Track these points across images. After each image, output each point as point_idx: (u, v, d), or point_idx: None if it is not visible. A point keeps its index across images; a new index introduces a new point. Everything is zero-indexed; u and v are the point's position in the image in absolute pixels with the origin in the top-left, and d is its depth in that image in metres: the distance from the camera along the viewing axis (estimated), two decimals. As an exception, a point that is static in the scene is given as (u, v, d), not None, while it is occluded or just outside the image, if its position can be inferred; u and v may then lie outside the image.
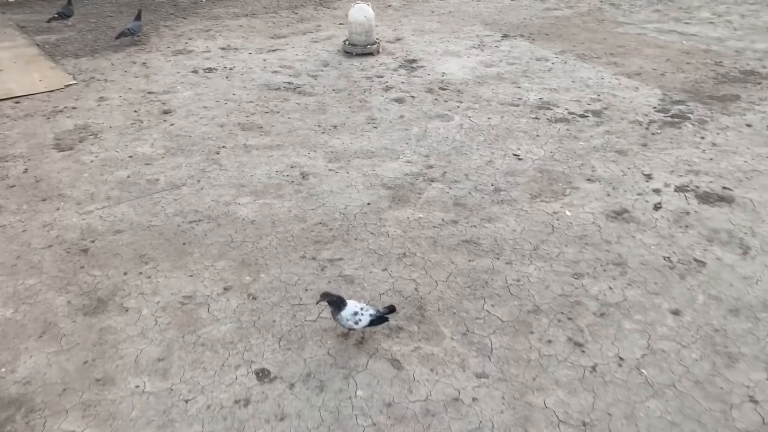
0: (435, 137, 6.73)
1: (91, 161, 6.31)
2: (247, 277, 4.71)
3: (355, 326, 3.96)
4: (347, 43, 9.16)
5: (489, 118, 7.13)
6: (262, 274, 4.74)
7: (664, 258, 4.83)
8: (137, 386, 3.80)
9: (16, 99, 7.73)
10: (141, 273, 4.76)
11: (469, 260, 4.85)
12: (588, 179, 5.92)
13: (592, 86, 7.98)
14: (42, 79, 8.28)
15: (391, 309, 4.11)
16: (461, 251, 4.95)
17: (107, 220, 5.39)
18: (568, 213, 5.39)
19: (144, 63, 8.87)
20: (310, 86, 8.05)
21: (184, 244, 5.09)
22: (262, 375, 3.86)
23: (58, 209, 5.53)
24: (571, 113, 7.24)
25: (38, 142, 6.67)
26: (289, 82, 8.16)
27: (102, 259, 4.91)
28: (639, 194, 5.66)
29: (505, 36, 9.90)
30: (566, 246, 4.98)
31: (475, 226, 5.24)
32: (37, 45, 9.57)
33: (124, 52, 9.32)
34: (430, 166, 6.17)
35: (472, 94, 7.77)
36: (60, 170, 6.14)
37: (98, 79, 8.32)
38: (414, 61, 8.90)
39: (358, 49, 9.06)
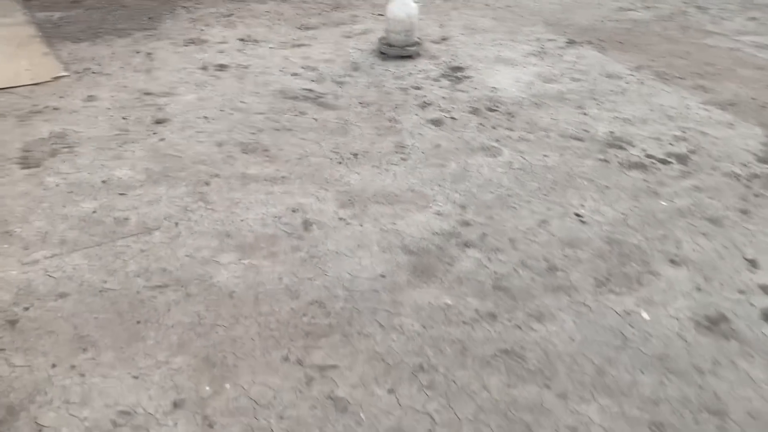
0: (476, 179, 5.41)
1: (57, 185, 5.20)
2: (207, 387, 3.53)
3: None
4: (383, 42, 7.83)
5: (545, 156, 5.76)
6: (227, 383, 3.56)
7: (780, 404, 3.48)
8: None
9: (-6, 92, 6.68)
10: (74, 367, 3.63)
11: (508, 385, 3.57)
12: (671, 261, 4.54)
13: (674, 118, 6.51)
14: (29, 68, 7.20)
15: None
16: (498, 368, 3.67)
17: (53, 275, 4.27)
18: (645, 316, 4.05)
19: (149, 53, 7.72)
20: (334, 96, 6.77)
21: (138, 322, 3.94)
22: None
23: (-3, 254, 4.44)
24: (649, 156, 5.82)
25: (2, 153, 5.59)
26: (309, 90, 6.90)
27: (31, 339, 3.79)
28: (740, 292, 4.27)
29: (570, 42, 8.42)
30: (642, 372, 3.66)
31: (519, 327, 3.95)
32: (36, 24, 8.50)
33: (130, 38, 8.19)
34: (467, 223, 4.87)
35: (527, 120, 6.39)
36: (17, 196, 5.05)
37: (93, 72, 7.21)
38: (460, 69, 7.52)
39: (395, 50, 7.72)
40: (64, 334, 3.85)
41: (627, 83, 7.21)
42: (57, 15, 8.86)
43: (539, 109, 6.61)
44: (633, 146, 5.96)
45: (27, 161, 5.52)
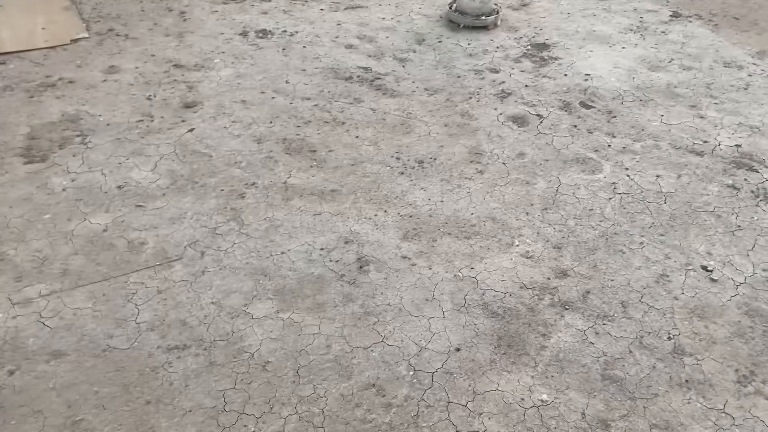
0: (572, 207, 4.35)
1: (64, 189, 4.32)
2: None
3: None
4: (454, 8, 6.62)
5: (657, 177, 4.64)
6: None
7: None
8: None
9: (3, 56, 5.76)
10: (61, 471, 2.82)
11: None
12: (838, 349, 3.48)
13: (816, 127, 5.27)
14: (46, 27, 6.24)
15: None
16: None
17: (47, 323, 3.43)
18: (812, 440, 3.04)
19: (182, 12, 6.67)
20: (394, 78, 5.68)
21: (148, 403, 3.09)
22: None
23: (-16, 288, 3.62)
24: (790, 184, 4.65)
25: (4, 141, 4.72)
26: (366, 68, 5.80)
27: (12, 422, 2.98)
28: None
29: (675, 14, 7.06)
30: None
31: (640, 445, 2.99)
32: (59, -31, 7.47)
33: (162, -10, 7.12)
34: (564, 273, 3.85)
35: (631, 122, 5.23)
36: (15, 202, 4.19)
37: (117, 33, 6.21)
38: (545, 46, 6.31)
39: (468, 19, 6.52)
40: (54, 415, 3.02)
41: (750, 75, 5.92)
42: (82, -41, 7.80)
43: (645, 107, 5.43)
44: (767, 166, 4.78)
45: (31, 153, 4.64)
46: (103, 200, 4.25)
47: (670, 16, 7.06)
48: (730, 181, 4.62)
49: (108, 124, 4.97)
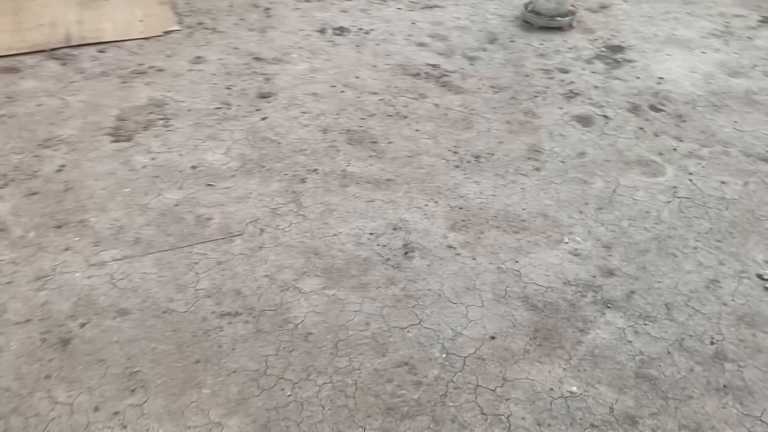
0: (628, 208, 4.31)
1: (144, 167, 4.70)
2: (261, 471, 2.90)
3: None
4: (529, 8, 6.64)
5: (723, 184, 4.52)
6: (285, 468, 2.91)
7: None
8: None
9: (103, 45, 6.29)
10: (117, 414, 3.12)
11: None
12: None
13: None
14: (143, 19, 6.75)
15: None
16: (632, 506, 2.75)
17: (118, 284, 3.78)
18: None
19: (267, 8, 7.03)
20: (461, 76, 5.77)
21: (198, 361, 3.36)
22: None
23: (67, 249, 4.01)
24: None
25: (96, 120, 5.18)
26: (434, 65, 5.94)
27: (79, 367, 3.33)
28: None
29: (765, 20, 6.77)
30: None
31: (666, 444, 2.97)
32: (159, -33, 8.03)
33: (251, -12, 7.52)
34: (611, 272, 3.84)
35: (701, 127, 5.10)
36: (100, 175, 4.61)
37: (206, 27, 6.64)
38: (620, 49, 6.22)
39: (543, 20, 6.52)
40: (115, 365, 3.34)
41: (840, 84, 5.63)
42: (182, -42, 8.36)
43: (718, 112, 5.27)
44: None
45: (119, 133, 5.06)
46: (178, 179, 4.60)
47: (759, 21, 6.78)
48: (802, 191, 4.43)
49: (189, 110, 5.34)
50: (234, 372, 3.31)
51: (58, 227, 4.19)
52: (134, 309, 3.64)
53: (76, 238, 4.10)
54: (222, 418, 3.10)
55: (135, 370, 3.32)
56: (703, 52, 6.16)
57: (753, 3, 7.22)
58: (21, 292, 3.73)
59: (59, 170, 4.67)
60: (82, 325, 3.55)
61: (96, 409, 3.14)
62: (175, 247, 4.04)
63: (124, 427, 3.07)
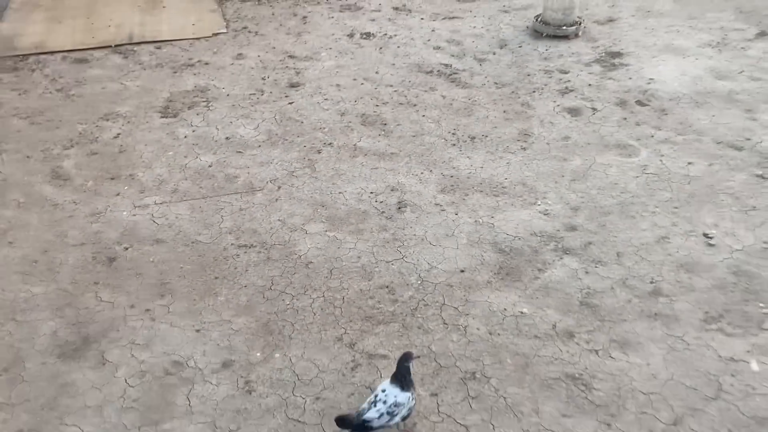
0: (599, 180, 4.89)
1: (185, 137, 5.53)
2: (258, 354, 3.57)
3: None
4: (539, 19, 7.30)
5: (689, 164, 5.04)
6: (277, 352, 3.58)
7: None
8: (47, 494, 2.93)
9: (159, 43, 7.24)
10: (148, 311, 3.86)
11: (564, 414, 3.21)
12: (812, 307, 3.78)
13: None
14: (195, 23, 7.70)
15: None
16: (558, 394, 3.31)
17: (157, 221, 4.56)
18: (754, 367, 3.41)
19: (305, 17, 7.90)
20: (469, 74, 6.46)
21: (216, 278, 4.09)
22: None
23: (118, 194, 4.84)
24: (822, 177, 4.87)
25: (149, 101, 6.06)
26: (446, 65, 6.65)
27: (121, 278, 4.09)
28: None
29: (761, 33, 7.25)
30: (730, 433, 3.10)
31: (596, 352, 3.52)
32: (214, -18, 9.05)
33: (292, 0, 8.42)
34: (573, 228, 4.42)
35: (680, 119, 5.63)
36: (149, 142, 5.45)
37: (249, 31, 7.53)
38: (618, 54, 6.81)
39: (550, 29, 7.17)
40: (150, 278, 4.10)
41: (821, 87, 6.08)
42: (234, -26, 9.37)
43: (699, 108, 5.80)
44: (804, 163, 5.02)
45: (167, 111, 5.92)
46: (213, 146, 5.40)
47: (756, 34, 7.26)
48: (760, 172, 4.92)
49: (228, 95, 6.18)
50: (245, 286, 4.02)
51: (112, 179, 5.02)
52: (168, 239, 4.41)
53: (126, 187, 4.92)
54: (232, 317, 3.81)
55: (165, 281, 4.07)
56: (696, 59, 6.69)
57: (755, 19, 7.70)
58: (79, 224, 4.55)
59: (115, 137, 5.54)
60: (126, 248, 4.33)
61: (132, 306, 3.89)
62: (206, 197, 4.81)
63: (153, 319, 3.80)
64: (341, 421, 3.01)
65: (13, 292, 3.99)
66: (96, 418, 3.25)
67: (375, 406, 2.97)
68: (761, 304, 3.79)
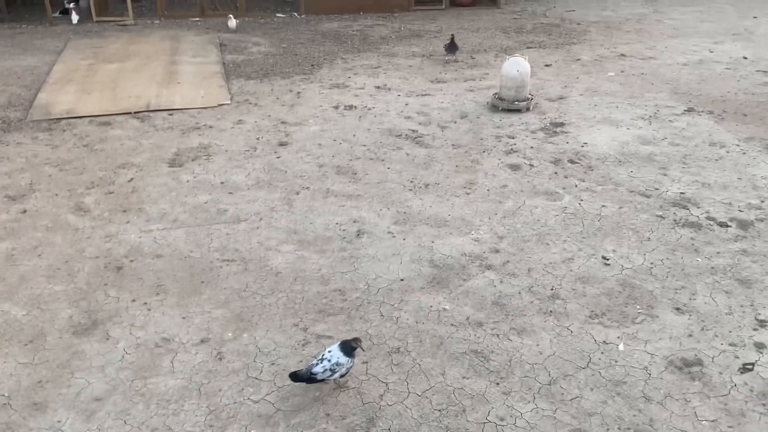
0: (525, 217, 5.89)
1: (187, 181, 6.63)
2: (230, 334, 4.50)
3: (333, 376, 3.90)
4: (496, 96, 8.55)
5: (603, 206, 6.06)
6: (245, 333, 4.50)
7: (719, 443, 3.58)
8: (59, 421, 3.80)
9: (172, 111, 8.50)
10: (146, 303, 4.81)
11: (464, 377, 4.08)
12: (677, 308, 4.68)
13: (760, 188, 6.38)
14: (204, 96, 9.01)
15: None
16: (462, 363, 4.19)
17: (158, 242, 5.58)
18: (620, 347, 4.29)
19: (299, 93, 9.20)
20: (431, 137, 7.62)
21: (202, 282, 5.06)
22: (166, 447, 3.62)
23: (128, 222, 5.88)
24: (709, 218, 5.85)
25: (159, 155, 7.22)
26: (413, 130, 7.82)
27: (125, 281, 5.07)
28: (731, 345, 4.31)
29: (688, 110, 8.43)
30: (591, 390, 3.95)
31: (497, 336, 4.42)
32: (223, 63, 10.47)
33: (289, 80, 9.77)
34: (496, 251, 5.39)
35: (603, 174, 6.70)
36: (157, 185, 6.55)
37: (250, 102, 8.80)
38: (560, 124, 7.98)
39: (505, 104, 8.39)
40: (149, 281, 5.07)
41: (728, 152, 7.15)
42: (241, 58, 10.80)
43: (620, 166, 6.87)
44: (698, 207, 6.02)
45: (174, 162, 7.06)
46: (209, 188, 6.49)
47: (684, 110, 8.45)
48: (661, 213, 5.92)
49: (226, 151, 7.34)
50: (225, 288, 4.98)
51: (124, 211, 6.09)
52: (166, 254, 5.41)
53: (135, 217, 5.97)
54: (212, 309, 4.75)
55: (161, 284, 5.04)
56: (628, 129, 7.84)
57: (687, 98, 8.91)
58: (94, 243, 5.57)
59: (129, 181, 6.65)
60: (131, 261, 5.33)
61: (133, 300, 4.84)
62: (200, 225, 5.85)
63: (149, 310, 4.75)
64: (294, 375, 3.89)
65: (39, 289, 4.97)
66: (99, 374, 4.15)
67: (321, 363, 3.85)
68: (638, 307, 4.70)
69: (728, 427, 3.70)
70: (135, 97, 8.91)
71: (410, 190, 6.44)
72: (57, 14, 13.04)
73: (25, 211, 6.03)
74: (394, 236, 5.63)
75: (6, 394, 3.97)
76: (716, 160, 7.00)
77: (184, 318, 4.66)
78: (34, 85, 9.34)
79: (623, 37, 12.05)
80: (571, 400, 3.88)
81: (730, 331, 4.44)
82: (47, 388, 4.03)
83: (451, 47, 10.43)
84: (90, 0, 12.94)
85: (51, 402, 3.93)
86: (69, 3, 13.06)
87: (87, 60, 10.49)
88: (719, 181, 6.52)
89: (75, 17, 12.73)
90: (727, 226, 5.73)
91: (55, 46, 11.25)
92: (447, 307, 4.71)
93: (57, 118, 8.23)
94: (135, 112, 8.45)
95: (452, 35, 10.61)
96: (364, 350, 4.10)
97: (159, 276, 5.13)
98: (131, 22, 13.08)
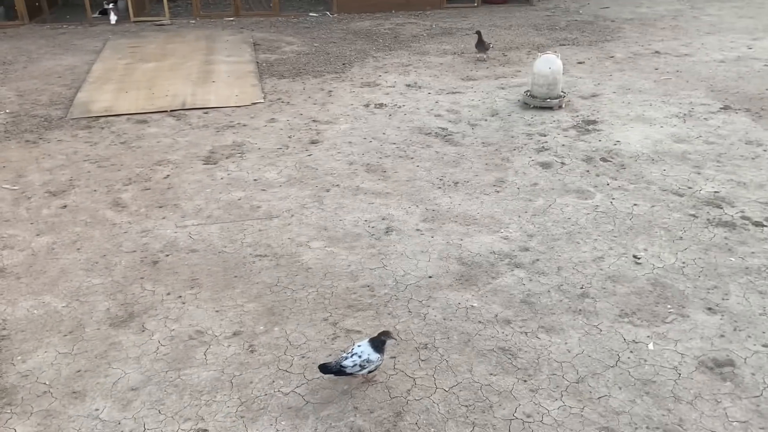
0: (556, 216, 5.87)
1: (222, 178, 6.76)
2: (261, 327, 4.59)
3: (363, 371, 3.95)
4: (528, 93, 8.51)
5: (635, 205, 6.00)
6: (276, 326, 4.59)
7: (750, 444, 3.55)
8: (96, 409, 3.93)
9: (207, 109, 8.66)
10: (180, 297, 4.94)
11: (491, 374, 4.10)
12: (709, 308, 4.63)
13: (800, 187, 6.26)
14: (238, 94, 9.16)
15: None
16: (490, 360, 4.21)
17: (193, 237, 5.71)
18: (650, 347, 4.27)
19: (330, 91, 9.29)
20: (462, 135, 7.63)
21: (235, 276, 5.16)
22: (198, 437, 3.72)
23: (164, 218, 6.03)
24: (744, 217, 5.76)
25: (194, 152, 7.37)
26: (443, 128, 7.84)
27: (161, 275, 5.21)
28: (765, 346, 4.25)
29: (724, 107, 8.28)
30: (620, 389, 3.94)
31: (526, 333, 4.43)
32: (256, 63, 10.62)
33: (321, 78, 9.87)
34: (526, 249, 5.39)
35: (635, 172, 6.63)
36: (192, 182, 6.70)
37: (282, 101, 8.92)
38: (593, 122, 7.91)
39: (537, 101, 8.35)
40: (183, 275, 5.20)
41: (765, 150, 7.01)
42: (274, 57, 10.94)
43: (654, 164, 6.79)
44: (733, 207, 5.92)
45: (209, 160, 7.20)
46: (243, 186, 6.61)
47: (720, 108, 8.30)
48: (693, 212, 5.85)
49: (259, 149, 7.46)
50: (257, 283, 5.08)
51: (160, 207, 6.24)
52: (201, 249, 5.54)
53: (171, 213, 6.12)
54: (244, 303, 4.85)
55: (195, 278, 5.16)
56: (661, 127, 7.74)
57: (723, 96, 8.75)
58: (131, 237, 5.73)
59: (165, 177, 6.81)
60: (167, 255, 5.47)
61: (168, 294, 4.98)
62: (233, 221, 5.97)
63: (184, 303, 4.87)
64: (324, 367, 3.97)
65: (78, 282, 5.13)
66: (135, 364, 4.28)
67: (351, 358, 3.91)
68: (669, 306, 4.66)
69: (760, 428, 3.65)
70: (171, 96, 9.10)
71: (439, 187, 6.46)
72: (96, 14, 13.39)
73: (65, 207, 6.23)
74: (422, 233, 5.67)
75: (47, 383, 4.13)
76: (752, 158, 6.88)
77: (217, 311, 4.77)
78: (74, 84, 9.61)
79: (658, 34, 11.88)
80: (599, 398, 3.87)
81: (764, 332, 4.37)
82: (86, 377, 4.17)
83: (480, 44, 10.39)
84: (128, 0, 13.24)
85: (89, 391, 4.06)
86: (108, 4, 13.39)
87: (125, 59, 10.75)
88: (755, 180, 6.41)
89: (113, 17, 13.06)
90: (763, 225, 5.63)
91: (94, 46, 11.55)
92: (475, 304, 4.74)
93: (96, 116, 8.45)
94: (171, 111, 8.63)
95: (478, 32, 10.56)
96: (396, 340, 4.16)
97: (193, 270, 5.25)
98: (168, 21, 13.36)
